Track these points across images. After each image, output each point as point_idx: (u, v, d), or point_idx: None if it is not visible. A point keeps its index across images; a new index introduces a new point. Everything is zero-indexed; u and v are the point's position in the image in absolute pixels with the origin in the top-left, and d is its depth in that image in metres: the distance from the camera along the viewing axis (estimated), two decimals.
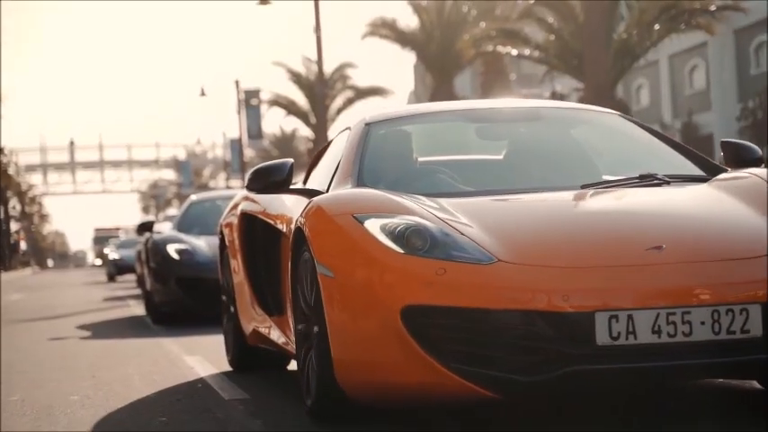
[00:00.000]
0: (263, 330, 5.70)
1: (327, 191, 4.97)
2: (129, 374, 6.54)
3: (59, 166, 75.94)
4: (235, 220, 6.12)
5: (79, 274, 51.04)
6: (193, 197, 13.81)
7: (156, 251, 11.67)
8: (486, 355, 3.79)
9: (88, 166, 76.29)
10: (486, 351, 3.79)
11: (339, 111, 42.74)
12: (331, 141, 5.88)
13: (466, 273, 3.85)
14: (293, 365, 6.28)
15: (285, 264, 5.22)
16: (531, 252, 3.92)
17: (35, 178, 76.32)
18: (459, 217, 4.17)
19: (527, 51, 28.12)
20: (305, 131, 49.43)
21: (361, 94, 42.98)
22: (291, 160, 5.16)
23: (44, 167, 75.54)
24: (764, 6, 33.08)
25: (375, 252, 3.98)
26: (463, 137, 5.58)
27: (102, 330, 11.11)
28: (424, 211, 4.18)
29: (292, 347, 5.06)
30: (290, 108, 44.10)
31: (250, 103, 47.14)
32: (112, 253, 33.96)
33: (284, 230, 5.24)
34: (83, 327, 11.69)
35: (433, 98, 34.34)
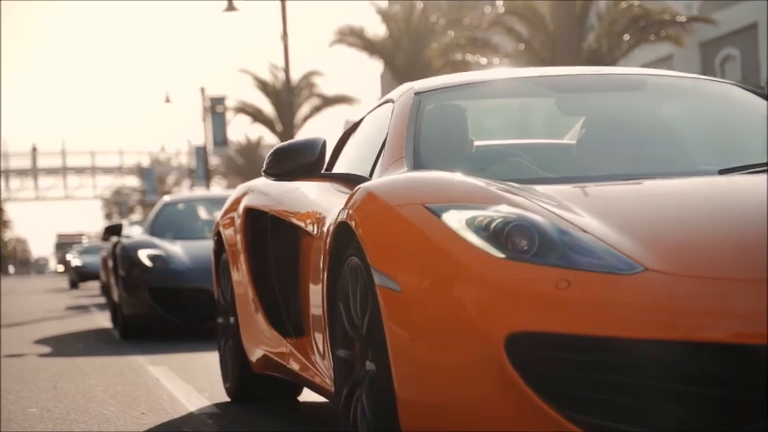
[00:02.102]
0: (276, 356, 4.46)
1: (370, 177, 3.79)
2: (91, 386, 6.13)
3: (21, 172, 74.12)
4: (237, 218, 4.87)
5: (41, 280, 50.31)
6: (166, 198, 12.30)
7: (125, 257, 10.22)
8: (629, 405, 2.60)
9: (51, 172, 74.56)
10: (630, 399, 2.60)
11: (305, 118, 43.09)
12: (361, 120, 4.65)
13: (599, 286, 2.66)
14: (307, 396, 5.06)
15: (308, 272, 4.01)
16: (689, 258, 2.72)
17: None
18: (574, 208, 2.98)
19: (497, 60, 27.84)
20: (270, 140, 49.00)
21: (328, 102, 43.36)
22: (323, 138, 3.91)
23: (6, 173, 73.71)
24: (731, 20, 32.47)
25: (462, 257, 2.79)
26: (537, 112, 4.37)
27: (63, 345, 9.95)
28: (524, 199, 2.99)
29: (322, 380, 3.84)
30: (256, 116, 44.21)
31: (215, 110, 46.70)
32: (75, 259, 32.47)
33: (309, 229, 4.04)
34: (42, 340, 10.52)
35: None
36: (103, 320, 13.47)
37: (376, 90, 58.67)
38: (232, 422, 4.62)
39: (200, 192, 14.60)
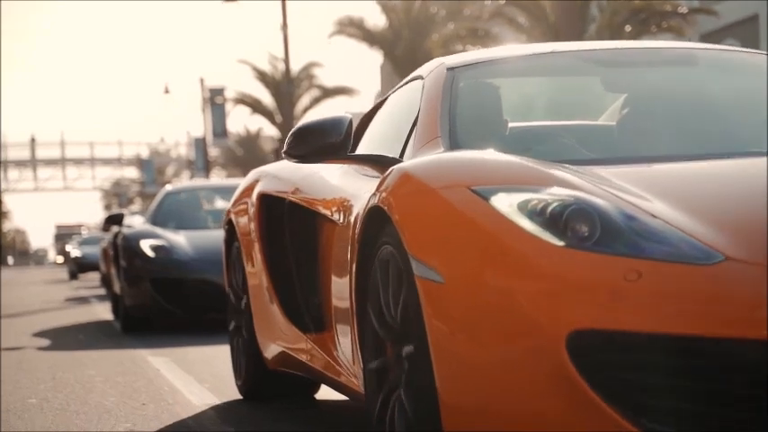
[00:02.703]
0: (294, 352, 4.12)
1: (401, 159, 3.46)
2: (90, 376, 6.02)
3: (20, 163, 73.68)
4: (250, 206, 4.53)
5: (40, 272, 50.09)
6: (169, 187, 11.87)
7: (127, 247, 9.81)
8: (709, 413, 2.28)
9: (49, 163, 74.14)
10: (712, 407, 2.28)
11: (305, 110, 42.86)
12: (384, 100, 4.32)
13: (674, 278, 2.32)
14: (325, 394, 4.73)
15: (329, 262, 3.68)
16: None
17: None
18: (638, 191, 2.65)
19: None
20: (270, 131, 48.86)
21: (328, 93, 43.32)
22: (349, 115, 3.57)
23: (4, 164, 73.30)
24: (732, 11, 32.13)
25: (515, 245, 2.46)
26: (568, 91, 4.03)
27: (63, 336, 9.66)
28: (582, 180, 2.66)
29: (348, 378, 3.51)
30: (256, 107, 44.17)
31: (215, 101, 46.56)
32: (74, 250, 32.13)
33: (332, 216, 3.71)
34: (42, 331, 10.22)
35: None
36: (103, 312, 13.18)
37: (375, 82, 58.48)
38: (234, 414, 4.49)
39: (203, 181, 14.20)
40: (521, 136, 3.54)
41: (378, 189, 2.95)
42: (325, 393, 4.74)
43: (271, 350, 4.37)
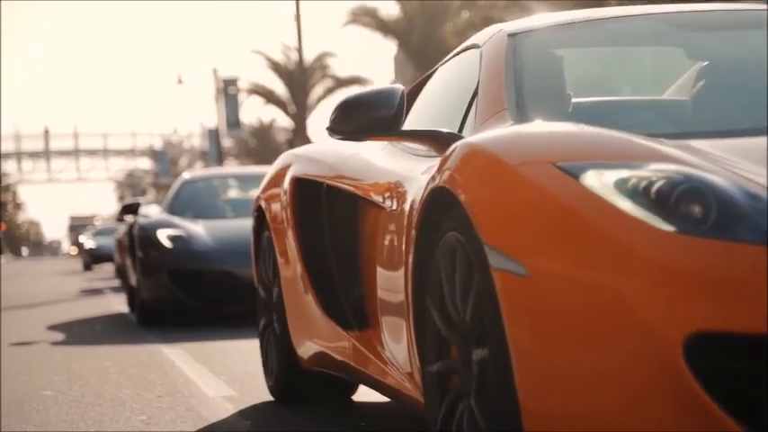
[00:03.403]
0: (333, 351, 3.72)
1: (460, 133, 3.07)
2: (105, 368, 5.93)
3: (34, 154, 73.44)
4: (282, 191, 4.11)
5: (54, 262, 49.97)
6: (186, 175, 11.37)
7: (143, 238, 9.36)
8: None
9: (63, 154, 73.89)
10: None
11: (319, 100, 42.72)
12: (431, 73, 3.91)
13: None
14: (364, 395, 4.34)
15: (373, 252, 3.28)
16: None
17: (9, 166, 74.04)
18: (754, 168, 2.24)
19: None
20: (283, 122, 48.75)
21: (342, 83, 43.23)
22: (401, 86, 3.16)
23: (18, 155, 73.08)
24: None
25: (614, 230, 2.06)
26: (645, 62, 3.62)
27: (77, 329, 9.33)
28: (687, 154, 2.25)
29: (398, 381, 3.12)
30: (269, 97, 44.22)
31: (228, 91, 46.32)
32: (88, 241, 31.79)
33: (379, 200, 3.31)
34: (56, 324, 9.87)
35: None
36: (118, 304, 12.83)
37: (389, 72, 57.88)
38: (250, 406, 4.35)
39: (220, 169, 13.77)
40: (586, 113, 3.13)
41: (441, 167, 2.55)
42: (366, 395, 4.35)
43: (306, 348, 3.97)
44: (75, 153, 73.27)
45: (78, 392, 4.99)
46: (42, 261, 58.79)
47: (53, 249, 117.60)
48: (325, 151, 3.99)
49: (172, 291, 8.96)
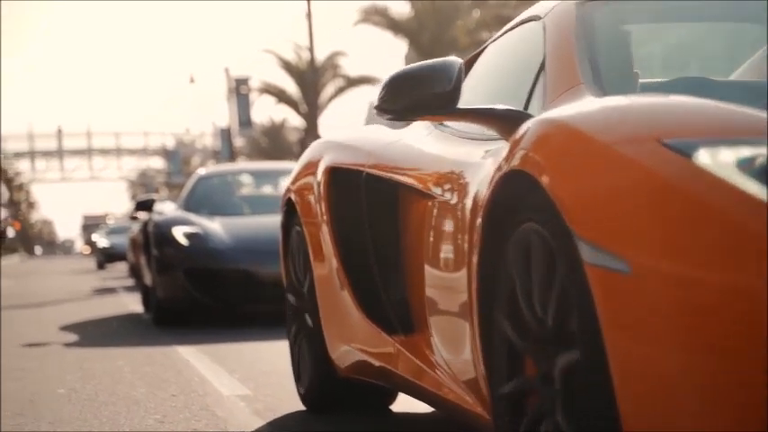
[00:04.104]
0: (375, 358, 3.35)
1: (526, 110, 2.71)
2: (119, 367, 5.88)
3: (47, 154, 73.33)
4: (316, 182, 3.74)
5: (67, 261, 49.99)
6: (201, 171, 10.99)
7: (158, 235, 8.97)
8: None
9: (76, 153, 73.76)
10: None
11: (330, 99, 42.60)
12: (482, 50, 3.55)
13: None
14: (404, 405, 3.99)
15: (424, 247, 2.94)
16: None
17: (22, 165, 73.94)
18: None
19: None
20: (294, 121, 48.61)
21: (352, 82, 43.07)
22: (459, 60, 2.80)
23: (31, 154, 72.99)
24: None
25: (739, 217, 1.70)
26: (714, 40, 3.27)
27: (91, 328, 9.05)
28: None
29: (454, 392, 2.77)
30: (281, 96, 44.20)
31: (240, 91, 46.18)
32: (102, 240, 31.50)
33: (432, 190, 2.95)
34: (69, 323, 9.58)
35: None
36: (131, 303, 12.55)
37: None
38: (266, 405, 4.27)
39: (236, 165, 13.39)
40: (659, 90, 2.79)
41: (513, 149, 2.20)
42: (406, 404, 4.01)
43: (343, 354, 3.60)
44: (88, 152, 73.15)
45: (92, 391, 4.91)
46: (55, 260, 58.81)
47: (66, 248, 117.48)
48: (363, 138, 3.64)
49: (188, 290, 8.59)
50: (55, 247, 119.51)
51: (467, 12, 33.85)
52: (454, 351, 2.72)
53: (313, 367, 3.85)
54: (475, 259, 2.39)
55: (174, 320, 8.84)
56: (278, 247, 8.65)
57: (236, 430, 3.77)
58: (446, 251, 2.73)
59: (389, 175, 3.28)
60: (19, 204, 76.38)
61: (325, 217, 3.60)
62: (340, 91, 42.28)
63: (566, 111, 2.18)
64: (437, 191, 2.90)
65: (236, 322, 8.66)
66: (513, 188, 2.21)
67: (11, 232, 65.94)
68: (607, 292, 1.84)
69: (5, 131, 70.18)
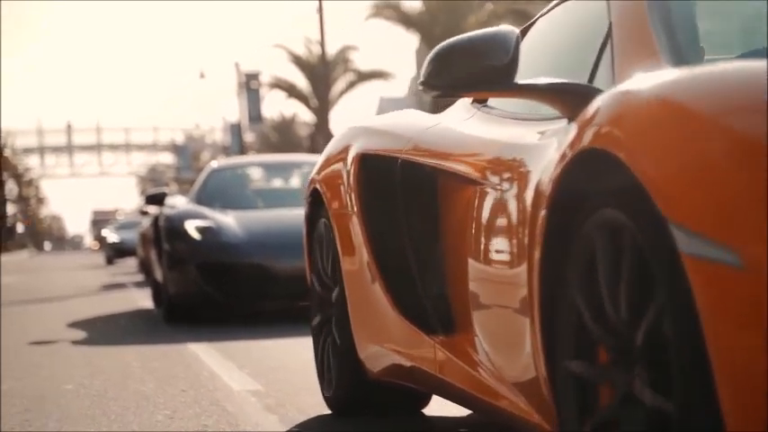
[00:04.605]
0: (413, 360, 3.03)
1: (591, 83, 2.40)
2: (127, 362, 5.84)
3: (57, 149, 73.25)
4: (345, 170, 3.43)
5: (76, 257, 50.09)
6: (214, 164, 10.63)
7: (170, 229, 8.64)
8: None
9: (85, 148, 73.67)
10: None
11: (341, 94, 42.50)
12: (533, 22, 3.21)
13: None
14: (437, 408, 3.66)
15: (469, 238, 2.63)
16: None
17: (32, 161, 73.92)
18: None
19: None
20: (305, 116, 48.46)
21: (363, 77, 42.96)
22: (516, 29, 2.47)
23: (41, 150, 72.94)
24: None
25: None
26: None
27: (99, 323, 8.83)
28: None
29: (506, 396, 2.45)
30: (291, 91, 44.12)
31: (250, 85, 46.05)
32: (111, 235, 31.25)
33: (481, 176, 2.63)
34: (78, 318, 9.37)
35: None
36: (141, 299, 12.31)
37: (411, 66, 57.41)
38: (276, 400, 4.21)
39: (249, 157, 13.01)
40: None
41: (585, 126, 1.88)
42: (438, 407, 3.69)
43: (374, 355, 3.28)
44: (97, 148, 73.08)
45: (100, 387, 4.86)
46: (64, 255, 58.89)
47: (75, 244, 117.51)
48: (397, 122, 3.31)
49: (200, 285, 8.27)
50: (64, 242, 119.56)
51: (479, 5, 33.67)
52: (507, 352, 2.41)
53: (340, 369, 3.52)
54: (537, 253, 2.09)
55: (186, 317, 8.53)
56: (293, 240, 8.55)
57: (248, 427, 3.68)
58: (497, 243, 2.43)
59: (428, 161, 2.96)
60: (28, 200, 76.36)
61: (355, 208, 3.27)
62: (351, 85, 42.20)
63: (650, 81, 1.85)
64: (485, 177, 2.59)
65: (246, 318, 8.46)
66: (586, 170, 1.91)
67: (20, 228, 65.92)
68: (711, 287, 1.55)
69: (15, 127, 70.09)
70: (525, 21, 27.29)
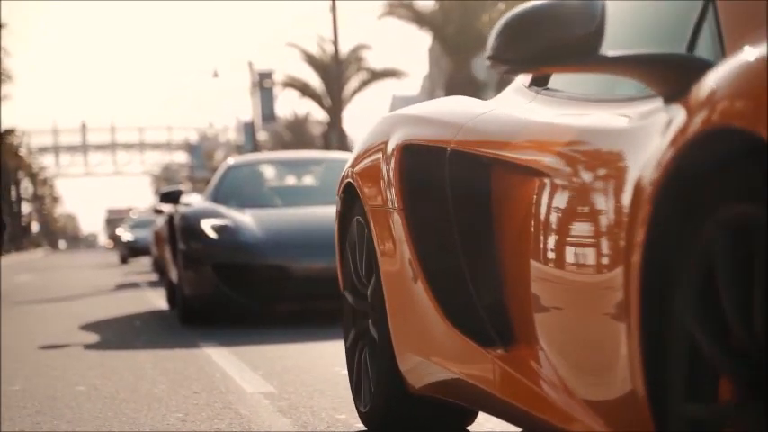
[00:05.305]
0: (465, 375, 2.65)
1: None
2: (140, 363, 5.79)
3: (71, 148, 73.16)
4: (384, 162, 3.04)
5: (90, 255, 50.14)
6: (231, 161, 10.24)
7: (186, 228, 8.25)
8: None
9: (100, 148, 73.57)
10: None
11: (354, 93, 42.40)
12: None
13: None
14: (483, 426, 3.30)
15: (532, 239, 2.27)
16: None
17: (47, 160, 73.89)
18: None
19: None
20: (318, 115, 48.28)
21: (377, 76, 42.83)
22: None
23: (56, 149, 72.86)
24: None
25: None
26: None
27: (113, 323, 8.53)
28: None
29: (583, 418, 2.09)
30: (304, 90, 44.03)
31: (263, 84, 45.95)
32: (126, 234, 30.94)
33: (549, 167, 2.27)
34: (91, 319, 9.09)
35: (452, 81, 34.09)
36: (154, 298, 12.03)
37: (423, 66, 57.11)
38: (289, 403, 4.12)
39: (266, 154, 12.58)
40: None
41: (706, 101, 1.53)
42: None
43: (417, 368, 2.91)
44: (111, 147, 73.00)
45: (112, 388, 4.80)
46: (79, 254, 58.91)
47: (90, 242, 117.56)
48: (443, 110, 2.93)
49: (217, 286, 7.90)
50: (79, 241, 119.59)
51: (492, 4, 33.42)
52: (583, 368, 2.06)
53: (378, 382, 3.14)
54: (636, 256, 1.72)
55: (202, 319, 8.18)
56: (313, 240, 8.20)
57: (261, 430, 3.60)
58: (573, 244, 2.07)
59: (483, 150, 2.59)
60: (43, 199, 76.29)
61: (396, 203, 2.90)
62: (364, 84, 42.05)
63: None
64: (556, 169, 2.22)
65: (260, 318, 8.22)
66: (708, 155, 1.54)
67: (35, 227, 65.84)
68: None
69: (30, 127, 70.01)
70: None
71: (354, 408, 3.41)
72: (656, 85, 1.96)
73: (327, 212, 8.47)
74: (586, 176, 2.10)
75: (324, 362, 5.37)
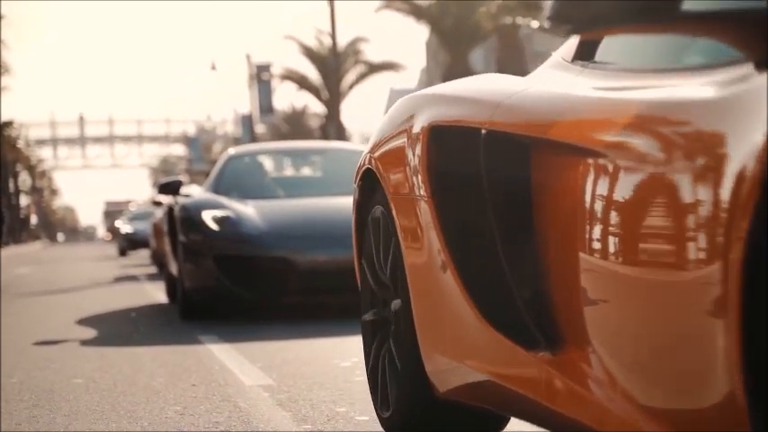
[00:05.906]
0: (505, 381, 2.36)
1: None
2: (138, 355, 5.77)
3: (69, 141, 72.88)
4: (410, 145, 2.75)
5: (89, 248, 50.05)
6: (231, 151, 9.93)
7: (186, 220, 7.95)
8: None
9: (98, 140, 73.30)
10: None
11: (351, 86, 42.38)
12: None
13: None
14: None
15: (581, 230, 2.01)
16: None
17: (45, 152, 73.57)
18: None
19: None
20: (316, 107, 48.15)
21: (374, 68, 42.77)
22: None
23: (54, 142, 72.56)
24: None
25: None
26: None
27: (112, 317, 8.34)
28: None
29: (638, 427, 1.83)
30: (302, 83, 43.94)
31: (261, 77, 45.77)
32: (124, 226, 30.64)
33: (599, 148, 1.97)
34: (90, 311, 8.87)
35: (449, 74, 34.02)
36: (153, 290, 11.81)
37: (421, 58, 56.88)
38: (289, 396, 4.09)
39: (268, 144, 12.22)
40: None
41: None
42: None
43: (445, 371, 2.64)
44: (109, 139, 72.74)
45: (110, 381, 4.77)
46: (77, 246, 58.83)
47: (88, 235, 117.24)
48: (475, 87, 2.64)
49: (219, 279, 7.61)
50: (77, 233, 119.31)
51: None
52: (653, 374, 1.79)
53: (402, 386, 2.85)
54: (737, 252, 1.44)
55: (202, 312, 7.90)
56: (317, 232, 7.91)
57: (260, 424, 3.56)
58: (644, 235, 1.80)
59: (523, 132, 2.30)
60: (42, 191, 76.00)
61: (423, 191, 2.60)
62: (362, 77, 41.99)
63: None
64: (617, 150, 1.93)
65: (259, 311, 8.07)
66: None
67: (34, 219, 65.59)
68: None
69: (28, 119, 69.68)
70: (536, 12, 26.55)
71: (353, 401, 3.36)
72: (744, 47, 1.68)
73: (331, 203, 8.23)
74: (660, 157, 1.80)
75: (324, 354, 5.31)
